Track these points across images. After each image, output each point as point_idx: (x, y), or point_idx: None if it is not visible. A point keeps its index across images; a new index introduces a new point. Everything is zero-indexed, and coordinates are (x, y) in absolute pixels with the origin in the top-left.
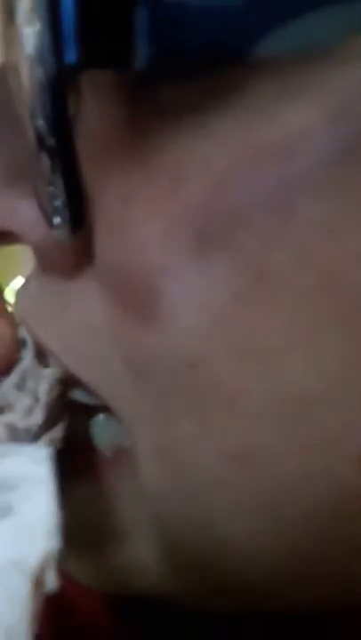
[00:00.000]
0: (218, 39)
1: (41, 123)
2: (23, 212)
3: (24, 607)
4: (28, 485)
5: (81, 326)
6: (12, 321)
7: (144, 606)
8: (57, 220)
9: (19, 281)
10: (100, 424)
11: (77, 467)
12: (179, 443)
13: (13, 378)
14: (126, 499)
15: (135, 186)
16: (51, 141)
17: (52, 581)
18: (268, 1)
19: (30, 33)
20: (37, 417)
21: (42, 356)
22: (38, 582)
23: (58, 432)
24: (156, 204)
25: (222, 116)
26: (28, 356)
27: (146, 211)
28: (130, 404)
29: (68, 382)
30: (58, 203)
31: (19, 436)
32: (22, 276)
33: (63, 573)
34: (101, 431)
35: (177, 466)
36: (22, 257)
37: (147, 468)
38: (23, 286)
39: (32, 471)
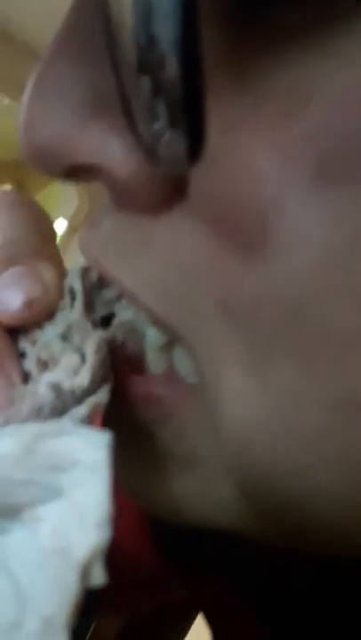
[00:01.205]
0: None
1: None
2: (113, 145)
3: (67, 599)
4: (81, 469)
5: (165, 263)
6: (59, 267)
7: (191, 548)
8: (167, 150)
9: (60, 223)
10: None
11: (134, 390)
12: (275, 387)
13: (58, 327)
14: (196, 432)
15: (242, 114)
16: (173, 64)
17: (99, 575)
18: None
19: None
20: (84, 378)
21: (90, 309)
22: (85, 575)
23: (103, 396)
24: (268, 132)
25: (345, 38)
26: (76, 308)
27: (256, 140)
28: (217, 344)
29: (113, 343)
30: (172, 132)
31: (64, 397)
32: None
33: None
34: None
35: (270, 411)
36: (60, 199)
37: (230, 411)
38: (92, 227)
39: (88, 455)
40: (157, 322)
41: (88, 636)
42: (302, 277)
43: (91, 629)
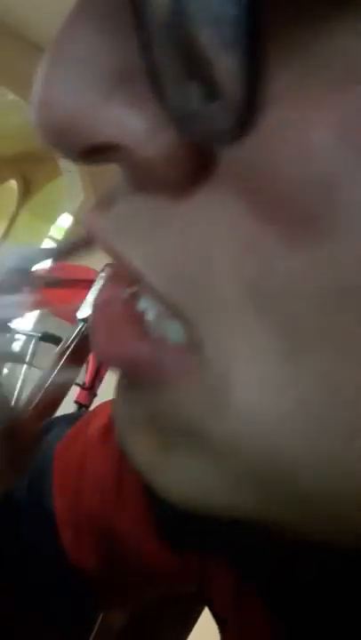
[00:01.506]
0: None
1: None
2: (135, 120)
3: None
4: None
5: (184, 245)
6: None
7: (198, 538)
8: (209, 124)
9: (65, 218)
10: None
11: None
12: (306, 379)
13: None
14: (196, 409)
15: (292, 83)
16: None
17: None
18: None
19: None
20: None
21: None
22: None
23: None
24: (323, 103)
25: None
26: None
27: (310, 111)
28: (235, 333)
29: None
30: (217, 105)
31: None
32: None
33: (115, 507)
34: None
35: (297, 406)
36: (65, 194)
37: (245, 403)
38: (102, 209)
39: None
40: (166, 305)
41: (95, 628)
42: (357, 262)
43: (98, 622)
